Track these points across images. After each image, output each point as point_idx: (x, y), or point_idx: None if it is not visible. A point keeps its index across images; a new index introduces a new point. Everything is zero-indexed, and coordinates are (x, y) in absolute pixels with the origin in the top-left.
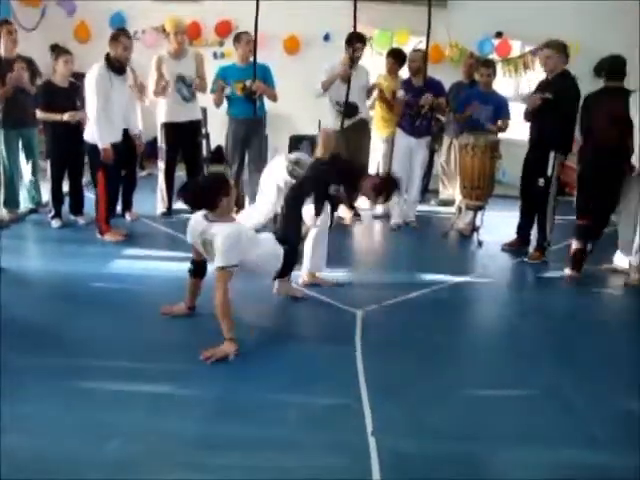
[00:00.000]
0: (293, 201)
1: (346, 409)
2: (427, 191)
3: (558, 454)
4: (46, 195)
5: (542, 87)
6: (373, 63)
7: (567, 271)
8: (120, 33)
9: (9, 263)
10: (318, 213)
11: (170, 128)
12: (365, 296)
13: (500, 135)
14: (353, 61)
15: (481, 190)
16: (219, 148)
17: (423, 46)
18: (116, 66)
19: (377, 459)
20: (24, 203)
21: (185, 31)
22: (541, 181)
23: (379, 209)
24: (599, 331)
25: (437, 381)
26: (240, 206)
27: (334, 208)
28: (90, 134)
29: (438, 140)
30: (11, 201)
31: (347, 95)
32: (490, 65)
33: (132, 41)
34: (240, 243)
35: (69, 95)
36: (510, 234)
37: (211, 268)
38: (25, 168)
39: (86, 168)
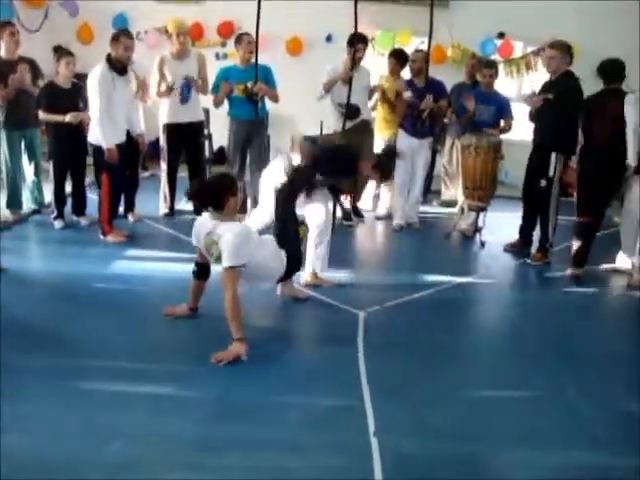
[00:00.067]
0: (284, 201)
1: (348, 410)
2: (429, 192)
3: (560, 455)
4: (49, 196)
5: (546, 88)
6: (375, 64)
7: (569, 270)
8: (121, 33)
9: (11, 263)
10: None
11: (172, 129)
12: (367, 297)
13: (502, 136)
14: (355, 62)
15: (483, 191)
16: (221, 149)
17: (425, 47)
18: (118, 66)
19: (379, 459)
20: (27, 204)
21: (187, 32)
22: (543, 182)
23: (382, 210)
24: (602, 332)
25: (439, 382)
26: (242, 207)
27: (338, 200)
28: (94, 136)
29: (440, 141)
30: (14, 202)
31: (348, 97)
32: (492, 66)
33: (133, 41)
34: (248, 243)
35: (72, 96)
36: (512, 235)
37: (214, 270)
38: (27, 169)
39: (89, 169)
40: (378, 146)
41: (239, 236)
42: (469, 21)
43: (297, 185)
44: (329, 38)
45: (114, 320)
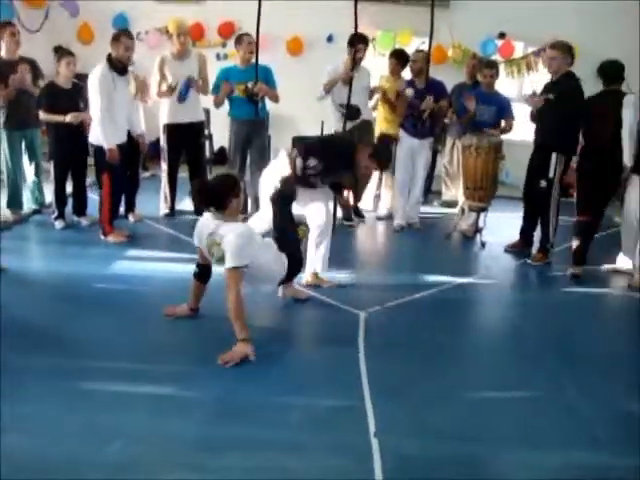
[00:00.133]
0: (279, 210)
1: (349, 410)
2: (430, 192)
3: (560, 455)
4: (49, 196)
5: (547, 88)
6: (375, 64)
7: (569, 269)
8: (121, 34)
9: (12, 263)
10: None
11: (172, 129)
12: (368, 297)
13: (503, 136)
14: (355, 62)
15: (484, 191)
16: (222, 149)
17: (426, 47)
18: (118, 67)
19: (380, 460)
20: (27, 204)
21: (188, 32)
22: (543, 183)
23: (383, 210)
24: (602, 333)
25: (440, 382)
26: (243, 208)
27: (340, 196)
28: (95, 136)
29: (441, 141)
30: (14, 202)
31: (349, 98)
32: (493, 66)
33: (134, 41)
34: (251, 244)
35: (72, 96)
36: (513, 235)
37: (215, 270)
38: (28, 169)
39: (90, 169)
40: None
41: (242, 237)
42: (470, 21)
43: (286, 195)
44: (330, 38)
45: (115, 320)
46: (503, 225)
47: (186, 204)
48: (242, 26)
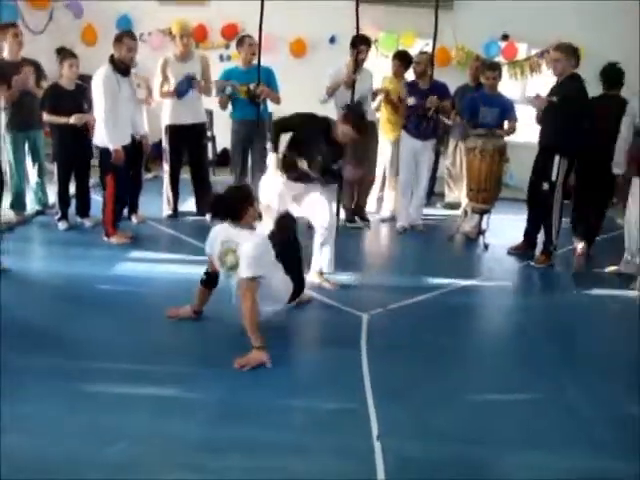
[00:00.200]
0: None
1: (351, 413)
2: (433, 194)
3: (562, 457)
4: (52, 197)
5: (552, 90)
6: (378, 65)
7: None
8: (124, 34)
9: (15, 264)
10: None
11: (174, 130)
12: (371, 299)
13: (507, 138)
14: (357, 64)
15: (487, 193)
16: (225, 151)
17: (429, 49)
18: (121, 68)
19: (382, 463)
20: (31, 205)
21: (191, 34)
22: (546, 185)
23: (386, 212)
24: (605, 335)
25: (442, 384)
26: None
27: (340, 183)
28: (100, 138)
29: (443, 143)
30: (18, 203)
31: (352, 101)
32: (496, 68)
33: (137, 42)
34: (267, 255)
35: (76, 98)
36: (516, 237)
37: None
38: (31, 170)
39: (93, 170)
40: (384, 149)
41: (259, 247)
42: (473, 23)
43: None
44: (332, 40)
45: (117, 321)
46: (506, 227)
47: (189, 205)
48: (245, 28)
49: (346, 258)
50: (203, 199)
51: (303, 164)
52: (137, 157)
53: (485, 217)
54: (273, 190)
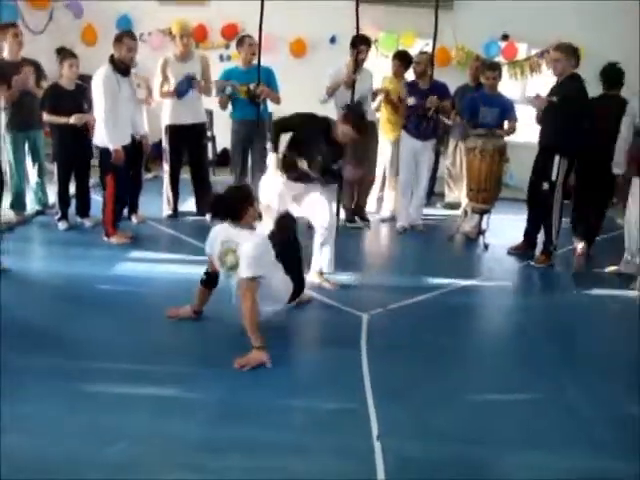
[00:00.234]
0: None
1: (351, 413)
2: (433, 194)
3: (562, 457)
4: (52, 197)
5: (552, 90)
6: (378, 65)
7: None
8: (124, 34)
9: (15, 264)
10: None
11: (174, 130)
12: (371, 299)
13: (507, 138)
14: (357, 64)
15: (487, 193)
16: (225, 151)
17: (430, 49)
18: (121, 67)
19: (382, 463)
20: (31, 205)
21: (191, 34)
22: (545, 185)
23: (386, 212)
24: (605, 335)
25: (442, 384)
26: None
27: (340, 183)
28: (100, 138)
29: (443, 142)
30: (18, 203)
31: (352, 101)
32: (496, 68)
33: (137, 42)
34: (267, 255)
35: (76, 98)
36: (516, 237)
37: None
38: (31, 170)
39: (93, 170)
40: (384, 149)
41: (259, 247)
42: (473, 23)
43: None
44: (333, 40)
45: (117, 321)
46: (506, 227)
47: (189, 205)
48: (245, 28)
49: (346, 258)
50: (203, 199)
51: (303, 164)
52: (137, 157)
53: (485, 217)
54: (273, 190)
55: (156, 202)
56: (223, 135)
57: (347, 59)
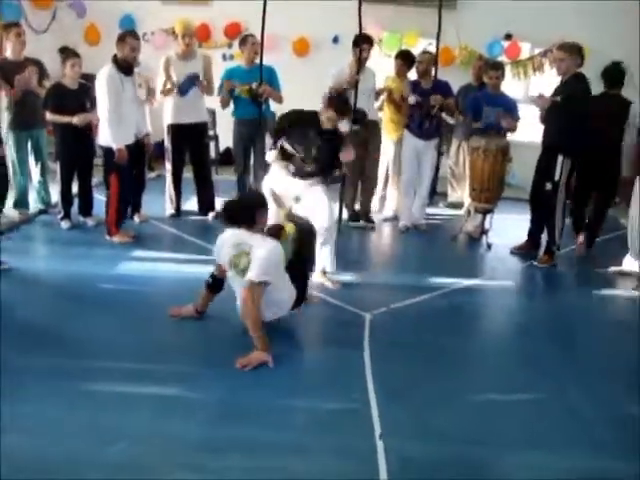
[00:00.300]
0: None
1: (353, 413)
2: (435, 193)
3: (564, 458)
4: (55, 196)
5: (556, 90)
6: (381, 65)
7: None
8: (127, 34)
9: (18, 263)
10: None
11: (176, 130)
12: (374, 299)
13: (510, 137)
14: (360, 63)
15: (490, 193)
16: (228, 150)
17: (433, 48)
18: (124, 67)
19: (385, 463)
20: (33, 204)
21: (194, 33)
22: (548, 185)
23: (388, 212)
24: (607, 335)
25: (445, 384)
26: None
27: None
28: (104, 138)
29: (446, 142)
30: (21, 202)
31: (355, 103)
32: (498, 67)
33: (140, 42)
34: (279, 262)
35: (79, 97)
36: (519, 237)
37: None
38: (34, 169)
39: (96, 169)
40: (387, 148)
41: (272, 253)
42: (476, 22)
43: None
44: (336, 39)
45: (119, 320)
46: (509, 227)
47: (192, 204)
48: (248, 27)
49: (349, 257)
50: (206, 198)
51: (297, 157)
52: (140, 156)
53: (488, 217)
54: (276, 189)
55: (159, 201)
56: (226, 134)
57: (350, 59)
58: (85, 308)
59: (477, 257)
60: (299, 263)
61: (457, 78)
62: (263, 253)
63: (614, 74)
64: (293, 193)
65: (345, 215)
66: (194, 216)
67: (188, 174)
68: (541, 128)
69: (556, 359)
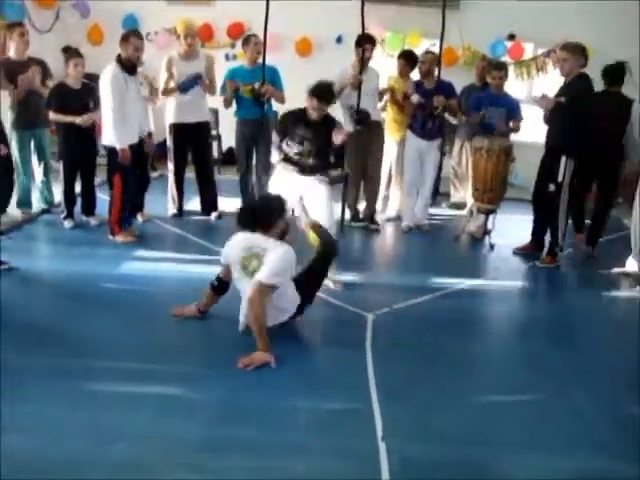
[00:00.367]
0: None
1: (355, 413)
2: (438, 194)
3: (565, 459)
4: (58, 196)
5: (560, 91)
6: (384, 65)
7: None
8: (130, 34)
9: (21, 263)
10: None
11: (178, 129)
12: (376, 299)
13: (512, 137)
14: (363, 63)
15: (493, 193)
16: (230, 150)
17: (436, 48)
18: (128, 67)
19: (386, 463)
20: (36, 203)
21: (195, 33)
22: (552, 186)
23: (391, 212)
24: (609, 336)
25: (446, 385)
26: None
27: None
28: (108, 137)
29: (449, 142)
30: (24, 201)
31: (358, 104)
32: (502, 68)
33: (143, 41)
34: (290, 268)
35: (82, 96)
36: (522, 237)
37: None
38: (37, 169)
39: (99, 169)
40: (390, 148)
41: (285, 258)
42: (479, 23)
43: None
44: (339, 39)
45: (123, 320)
46: (512, 227)
47: (194, 204)
48: (251, 27)
49: (351, 258)
50: (208, 198)
51: (295, 154)
52: (143, 156)
53: (491, 217)
54: (281, 188)
55: (161, 201)
56: (229, 134)
57: (353, 59)
58: (87, 308)
59: (480, 258)
60: (313, 274)
61: (460, 78)
62: (278, 257)
63: (614, 72)
64: (298, 193)
65: (348, 215)
66: (196, 216)
67: (190, 174)
68: (544, 128)
69: (558, 360)
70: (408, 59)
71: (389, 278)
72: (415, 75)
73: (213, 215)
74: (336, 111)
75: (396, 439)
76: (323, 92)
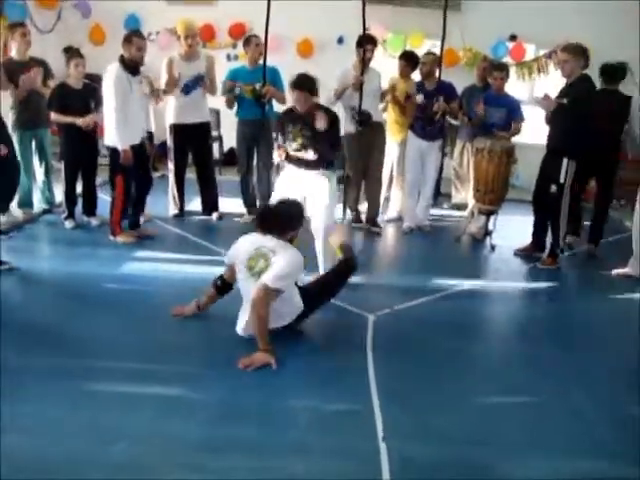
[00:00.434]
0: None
1: (356, 414)
2: (439, 195)
3: (565, 459)
4: (59, 196)
5: (562, 92)
6: (386, 66)
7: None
8: (133, 34)
9: (22, 263)
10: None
11: (179, 130)
12: (377, 300)
13: (514, 138)
14: (364, 63)
15: (494, 194)
16: (232, 150)
17: (437, 49)
18: (131, 67)
19: (387, 464)
20: (38, 204)
21: (196, 34)
22: (553, 187)
23: (392, 213)
24: (610, 337)
25: (447, 386)
26: (252, 205)
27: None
28: (110, 138)
29: (450, 143)
30: (25, 202)
31: (360, 105)
32: (503, 68)
33: (145, 42)
34: (297, 273)
35: (83, 97)
36: (523, 238)
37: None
38: (38, 169)
39: (101, 169)
40: (391, 149)
41: (293, 263)
42: (481, 24)
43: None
44: (340, 40)
45: (123, 320)
46: (513, 228)
47: (195, 205)
48: (253, 27)
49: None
50: (209, 198)
51: (292, 150)
52: (144, 156)
53: (492, 218)
54: (287, 189)
55: (162, 201)
56: (230, 134)
57: (354, 60)
58: (88, 308)
59: (481, 259)
60: (327, 287)
61: (461, 79)
62: (286, 261)
63: (611, 70)
64: (301, 193)
65: (349, 216)
66: (197, 216)
67: (192, 174)
68: (546, 129)
69: (558, 360)
70: (409, 60)
71: (390, 279)
72: (416, 76)
73: (214, 215)
74: (337, 111)
75: (396, 439)
76: (300, 82)
